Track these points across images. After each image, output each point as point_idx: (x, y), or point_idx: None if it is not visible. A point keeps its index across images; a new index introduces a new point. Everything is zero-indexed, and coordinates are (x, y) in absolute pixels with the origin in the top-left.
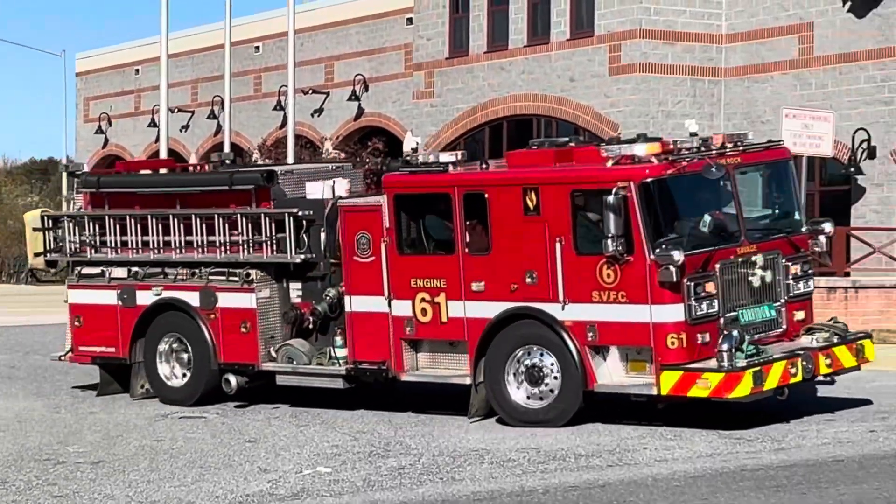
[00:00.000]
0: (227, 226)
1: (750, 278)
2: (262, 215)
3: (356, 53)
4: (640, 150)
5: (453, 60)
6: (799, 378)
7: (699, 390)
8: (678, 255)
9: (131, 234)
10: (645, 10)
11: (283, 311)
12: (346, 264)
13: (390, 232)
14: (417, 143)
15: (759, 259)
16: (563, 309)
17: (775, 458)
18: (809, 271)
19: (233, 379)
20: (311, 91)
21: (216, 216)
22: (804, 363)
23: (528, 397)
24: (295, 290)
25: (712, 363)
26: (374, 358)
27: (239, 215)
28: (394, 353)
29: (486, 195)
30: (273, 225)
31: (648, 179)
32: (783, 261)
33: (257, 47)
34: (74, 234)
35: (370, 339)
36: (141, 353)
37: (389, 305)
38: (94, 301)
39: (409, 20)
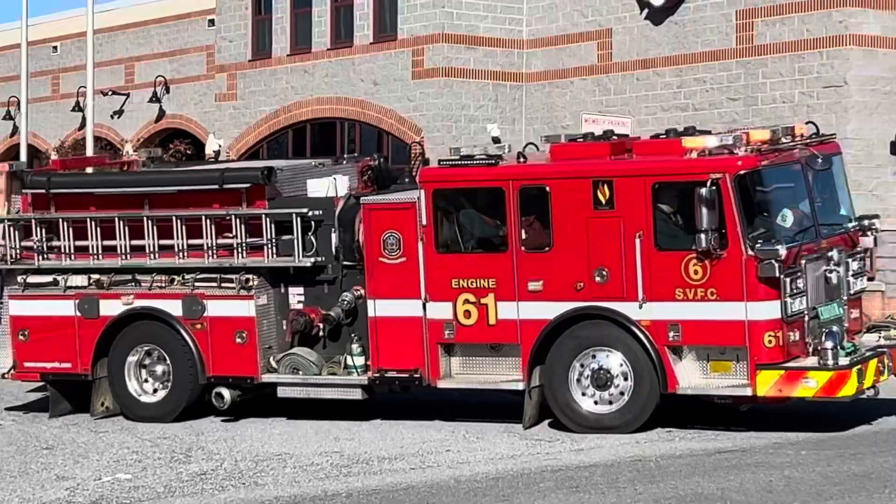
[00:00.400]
0: (214, 228)
1: (828, 275)
2: (264, 216)
3: (157, 55)
4: (757, 135)
5: (256, 63)
6: (885, 377)
7: (804, 390)
8: (782, 250)
9: (93, 239)
10: (447, 14)
11: (292, 318)
12: (371, 266)
13: (427, 230)
14: (220, 146)
15: (833, 255)
16: (640, 308)
17: (575, 458)
18: (864, 268)
19: (226, 393)
20: (110, 92)
21: (203, 218)
22: (888, 361)
23: (596, 402)
24: (296, 295)
25: (809, 362)
26: (402, 365)
27: (234, 216)
28: (429, 359)
29: (549, 189)
30: (273, 226)
31: (743, 171)
32: (846, 257)
33: (55, 47)
34: (15, 240)
35: (398, 346)
36: (104, 368)
37: (425, 308)
38: (43, 312)
39: (211, 21)
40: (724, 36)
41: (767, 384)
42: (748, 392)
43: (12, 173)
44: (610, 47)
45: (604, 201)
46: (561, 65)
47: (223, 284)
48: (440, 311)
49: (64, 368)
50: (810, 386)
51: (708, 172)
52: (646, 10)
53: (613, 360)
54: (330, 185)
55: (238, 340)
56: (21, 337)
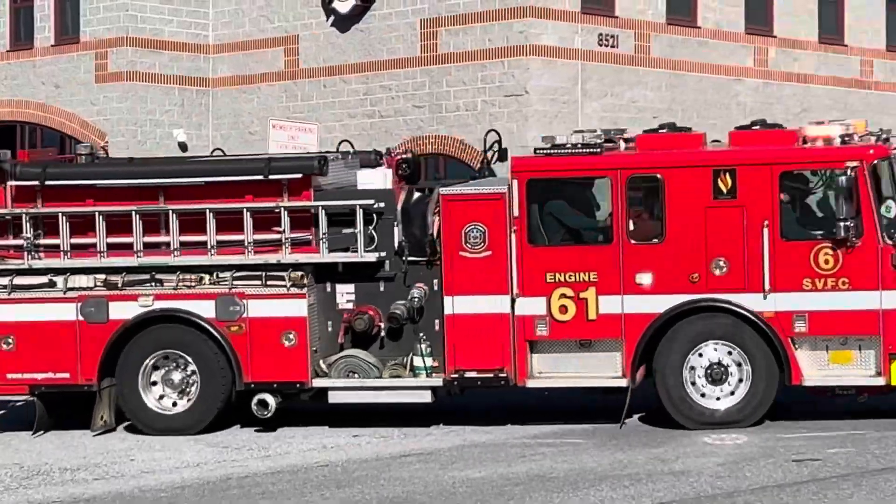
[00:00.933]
0: (253, 221)
1: None
2: (320, 208)
3: None
4: (861, 127)
5: None
6: None
7: None
8: None
9: (100, 235)
10: (131, 17)
11: (353, 317)
12: (450, 261)
13: (520, 221)
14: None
15: None
16: (764, 299)
17: (262, 465)
18: None
19: (271, 400)
20: None
21: (245, 211)
22: None
23: (703, 395)
24: (345, 293)
25: None
26: (484, 365)
27: (283, 209)
28: (516, 357)
29: (662, 178)
30: (327, 219)
31: (875, 160)
32: None
33: None
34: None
35: (479, 344)
36: (110, 377)
37: (513, 304)
38: (34, 317)
39: None
40: (409, 44)
41: None
42: (881, 382)
43: None
44: (297, 53)
45: (725, 190)
46: (248, 70)
47: (269, 282)
48: (532, 306)
49: (60, 380)
50: None
51: (844, 160)
52: (332, 18)
53: (732, 354)
54: (384, 176)
55: (286, 342)
56: (5, 346)
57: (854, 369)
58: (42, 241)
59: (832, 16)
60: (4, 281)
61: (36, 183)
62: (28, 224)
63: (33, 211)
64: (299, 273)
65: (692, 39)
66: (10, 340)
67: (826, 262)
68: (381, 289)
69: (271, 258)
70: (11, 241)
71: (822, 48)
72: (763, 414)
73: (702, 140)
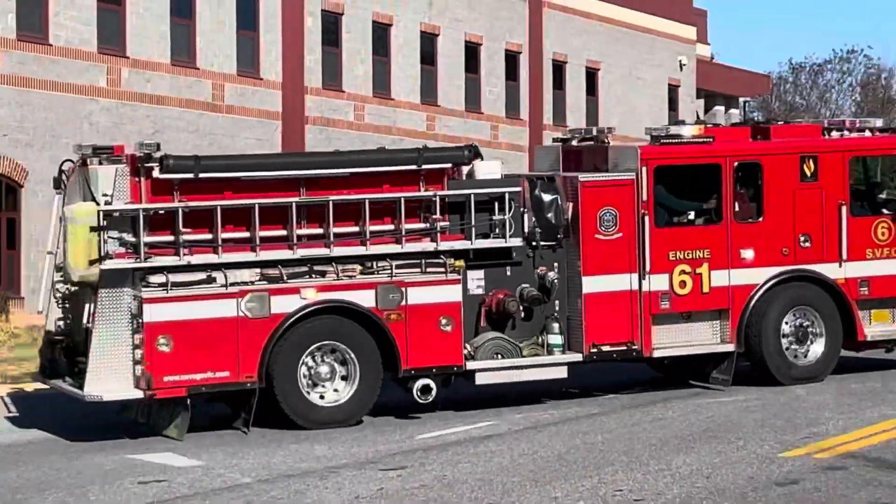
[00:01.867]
0: (404, 211)
1: None
2: (472, 196)
3: None
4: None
5: None
6: None
7: None
8: None
9: (255, 229)
10: None
11: (505, 300)
12: (586, 243)
13: (648, 205)
14: None
15: None
16: (839, 267)
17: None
18: None
19: (433, 384)
20: None
21: (401, 201)
22: None
23: (795, 357)
24: (475, 279)
25: None
26: (616, 339)
27: (439, 198)
28: (643, 330)
29: (762, 164)
30: (469, 208)
31: None
32: None
33: None
34: (144, 234)
35: (611, 320)
36: (271, 373)
37: (641, 282)
38: (192, 316)
39: None
40: None
41: None
42: None
43: (146, 156)
44: None
45: (809, 174)
46: None
47: (428, 269)
48: (658, 283)
49: (220, 379)
50: None
51: (875, 149)
52: None
53: (812, 317)
54: (499, 167)
55: (443, 328)
56: (161, 347)
57: (892, 325)
58: (199, 237)
59: (184, 39)
60: (160, 279)
61: (190, 175)
62: (180, 219)
63: (193, 204)
64: (460, 260)
65: (44, 57)
66: (167, 341)
67: (883, 234)
68: (508, 273)
69: (427, 246)
70: (154, 239)
71: (174, 70)
72: (833, 369)
73: (753, 131)
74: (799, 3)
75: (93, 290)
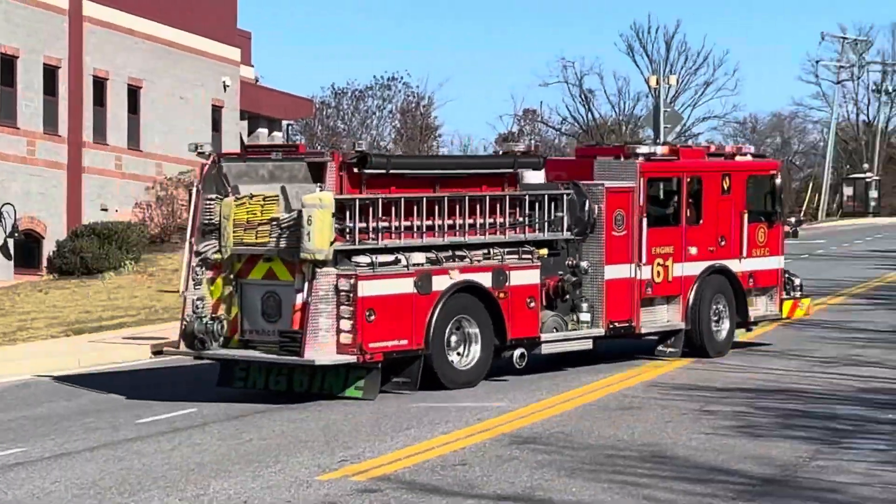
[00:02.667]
0: (508, 207)
1: None
2: (545, 196)
3: None
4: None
5: None
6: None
7: (799, 312)
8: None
9: (423, 218)
10: None
11: (558, 283)
12: (607, 238)
13: (643, 209)
14: None
15: None
16: (740, 263)
17: None
18: None
19: (526, 352)
20: None
21: (506, 198)
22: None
23: (716, 334)
24: None
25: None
26: (622, 317)
27: (527, 196)
28: (636, 311)
29: (703, 179)
30: (544, 205)
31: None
32: None
33: None
34: (356, 221)
35: (620, 302)
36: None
37: (636, 271)
38: (388, 291)
39: None
40: None
41: (786, 310)
42: (779, 314)
43: (361, 156)
44: None
45: (726, 188)
46: None
47: (523, 256)
48: (646, 272)
49: (401, 346)
50: (803, 309)
51: (772, 170)
52: None
53: (724, 303)
54: (542, 174)
55: (529, 305)
56: (369, 318)
57: (762, 308)
58: (384, 225)
59: None
60: (366, 259)
61: (383, 171)
62: (377, 209)
63: (393, 196)
64: (544, 249)
65: None
66: (371, 313)
67: (761, 237)
68: (552, 262)
69: (519, 237)
70: (373, 224)
71: None
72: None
73: (709, 152)
74: (343, 30)
75: (313, 267)
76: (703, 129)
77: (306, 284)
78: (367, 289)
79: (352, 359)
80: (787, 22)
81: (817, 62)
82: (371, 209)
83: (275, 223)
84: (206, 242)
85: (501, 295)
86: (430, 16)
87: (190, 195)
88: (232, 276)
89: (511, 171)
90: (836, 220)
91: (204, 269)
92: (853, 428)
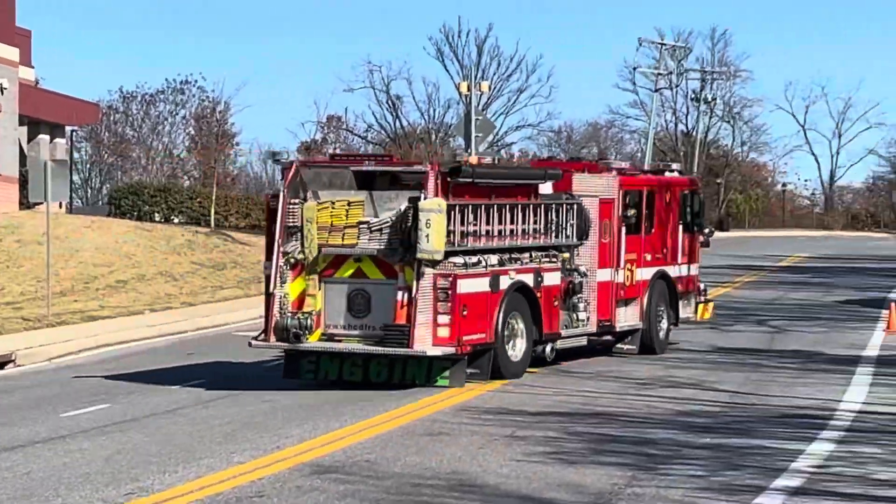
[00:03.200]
0: (543, 214)
1: None
2: (565, 205)
3: None
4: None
5: None
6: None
7: (706, 315)
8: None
9: (494, 224)
10: None
11: (574, 285)
12: (600, 245)
13: (621, 219)
14: None
15: None
16: (675, 269)
17: None
18: None
19: (554, 347)
20: None
21: (541, 206)
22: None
23: (660, 333)
24: None
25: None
26: (605, 317)
27: (554, 205)
28: (614, 311)
29: (655, 193)
30: (561, 213)
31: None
32: None
33: None
34: (455, 224)
35: (604, 303)
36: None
37: (614, 275)
38: (473, 290)
39: None
40: None
41: (700, 312)
42: (694, 317)
43: (456, 167)
44: None
45: (667, 202)
46: None
47: (552, 260)
48: (620, 276)
49: (482, 339)
50: (711, 311)
51: (697, 185)
52: None
53: (665, 305)
54: (550, 185)
55: (554, 304)
56: (463, 313)
57: (684, 311)
58: (476, 229)
59: None
60: (460, 260)
61: (470, 180)
62: (468, 214)
63: (481, 202)
64: (566, 253)
65: None
66: (464, 309)
67: (686, 247)
68: (564, 265)
69: (549, 242)
70: (462, 228)
71: None
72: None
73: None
74: (133, 31)
75: (419, 266)
76: (516, 138)
77: (414, 282)
78: (462, 287)
79: (451, 350)
80: (604, 27)
81: (634, 69)
82: (462, 215)
83: (364, 226)
84: (290, 244)
85: (539, 294)
86: (223, 17)
87: (275, 200)
88: (315, 276)
89: (541, 182)
90: None
91: (287, 268)
92: (669, 453)
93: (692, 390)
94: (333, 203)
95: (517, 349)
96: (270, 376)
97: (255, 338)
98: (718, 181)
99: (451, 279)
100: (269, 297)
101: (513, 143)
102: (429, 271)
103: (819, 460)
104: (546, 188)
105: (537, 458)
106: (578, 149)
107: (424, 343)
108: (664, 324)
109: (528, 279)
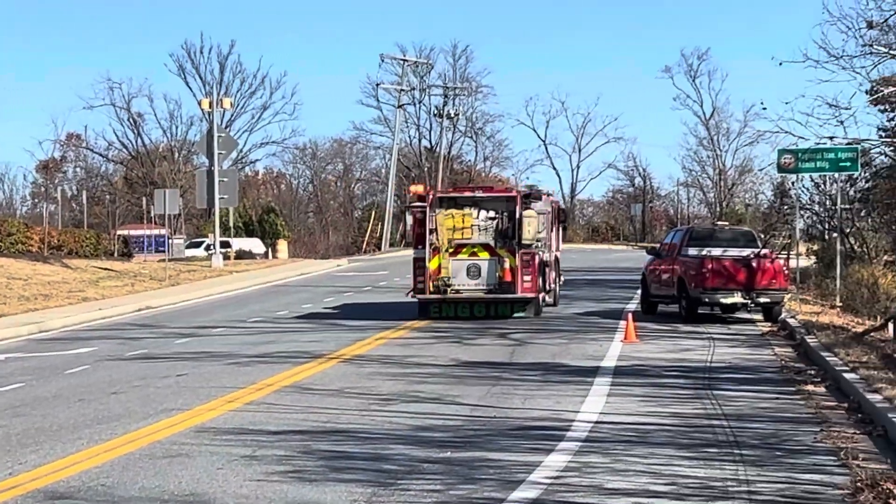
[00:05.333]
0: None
1: None
2: (548, 213)
3: None
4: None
5: None
6: None
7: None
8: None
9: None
10: None
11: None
12: (547, 240)
13: (552, 224)
14: None
15: None
16: (556, 253)
17: None
18: None
19: (544, 297)
20: None
21: (543, 215)
22: None
23: (559, 287)
24: None
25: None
26: (551, 285)
27: (549, 214)
28: (549, 276)
29: (558, 209)
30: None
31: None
32: None
33: None
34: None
35: (548, 275)
36: None
37: (549, 257)
38: (537, 262)
39: None
40: None
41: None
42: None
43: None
44: None
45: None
46: None
47: (545, 246)
48: (550, 257)
49: (540, 290)
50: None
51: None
52: None
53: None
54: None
55: (547, 272)
56: (538, 275)
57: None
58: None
59: None
60: (534, 245)
61: (532, 200)
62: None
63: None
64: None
65: None
66: (537, 272)
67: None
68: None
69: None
70: None
71: None
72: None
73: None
74: None
75: (520, 249)
76: (261, 155)
77: (517, 258)
78: (537, 260)
79: (533, 296)
80: (348, 44)
81: (378, 85)
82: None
83: (475, 227)
84: (430, 238)
85: (547, 267)
86: None
87: (422, 213)
88: (447, 255)
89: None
90: (399, 249)
91: (430, 252)
92: (409, 468)
93: (433, 405)
94: (453, 215)
95: (547, 298)
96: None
97: (410, 293)
98: None
99: (532, 255)
100: (422, 268)
101: (257, 161)
102: (522, 251)
103: (555, 471)
104: (539, 205)
105: (277, 477)
106: (324, 165)
107: (521, 291)
108: (560, 283)
109: (545, 258)
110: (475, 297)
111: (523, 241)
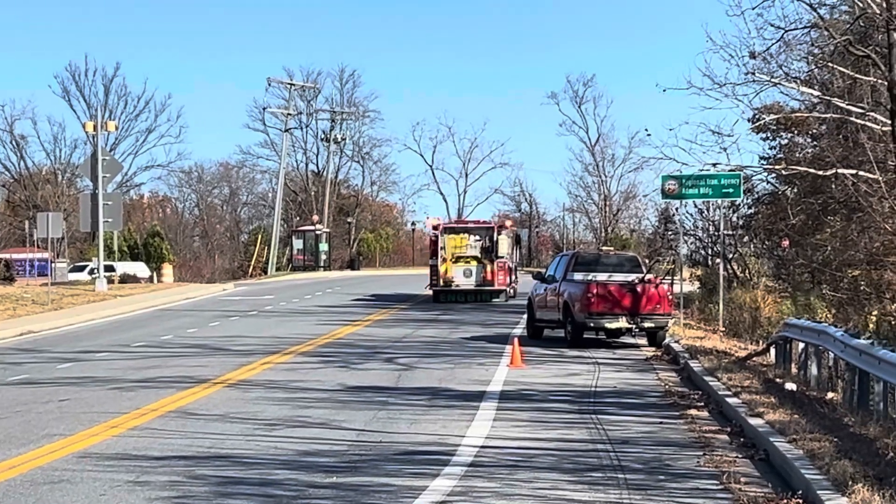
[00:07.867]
0: (515, 242)
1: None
2: (519, 236)
3: None
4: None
5: None
6: None
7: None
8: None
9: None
10: None
11: (515, 270)
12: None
13: (512, 244)
14: None
15: None
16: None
17: None
18: None
19: (508, 291)
20: None
21: (515, 236)
22: None
23: (514, 289)
24: None
25: None
26: (515, 285)
27: (517, 236)
28: (509, 279)
29: (517, 235)
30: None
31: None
32: None
33: None
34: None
35: (510, 274)
36: None
37: (511, 265)
38: (508, 267)
39: None
40: None
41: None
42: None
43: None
44: None
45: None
46: None
47: (511, 254)
48: (512, 265)
49: (510, 284)
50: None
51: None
52: None
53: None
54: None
55: (511, 273)
56: (508, 275)
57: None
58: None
59: None
60: (507, 258)
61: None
62: (507, 240)
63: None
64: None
65: None
66: (509, 273)
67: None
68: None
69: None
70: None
71: None
72: None
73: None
74: None
75: (496, 259)
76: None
77: (494, 265)
78: (506, 267)
79: (504, 288)
80: (235, 67)
81: (264, 109)
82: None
83: (468, 246)
84: (441, 252)
85: (511, 269)
86: None
87: (437, 237)
88: (451, 263)
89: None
90: (286, 274)
91: (441, 261)
92: (295, 493)
93: (319, 430)
94: (455, 238)
95: (510, 291)
96: None
97: (427, 286)
98: (349, 221)
99: (503, 263)
100: (435, 271)
101: (142, 184)
102: (498, 260)
103: (441, 496)
104: (506, 232)
105: (161, 502)
106: (210, 189)
107: (497, 286)
108: (515, 286)
109: (510, 265)
110: (468, 289)
111: (498, 255)
